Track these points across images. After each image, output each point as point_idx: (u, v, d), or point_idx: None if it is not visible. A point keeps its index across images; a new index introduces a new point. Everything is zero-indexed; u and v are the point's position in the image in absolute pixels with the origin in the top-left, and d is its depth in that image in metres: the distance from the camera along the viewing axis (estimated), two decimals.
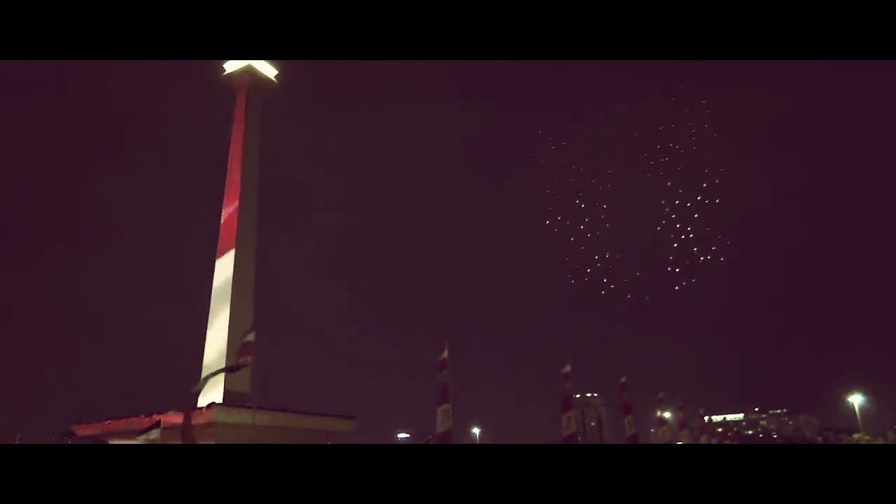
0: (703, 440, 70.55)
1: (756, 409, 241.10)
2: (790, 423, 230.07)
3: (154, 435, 30.08)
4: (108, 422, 47.16)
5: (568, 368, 39.46)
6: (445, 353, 34.24)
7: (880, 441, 69.25)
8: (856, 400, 76.79)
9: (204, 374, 48.44)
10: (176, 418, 38.24)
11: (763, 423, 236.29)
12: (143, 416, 42.29)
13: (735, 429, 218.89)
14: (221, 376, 45.75)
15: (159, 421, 31.75)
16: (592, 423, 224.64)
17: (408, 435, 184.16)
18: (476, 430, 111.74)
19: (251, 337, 36.23)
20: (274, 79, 59.01)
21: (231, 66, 57.91)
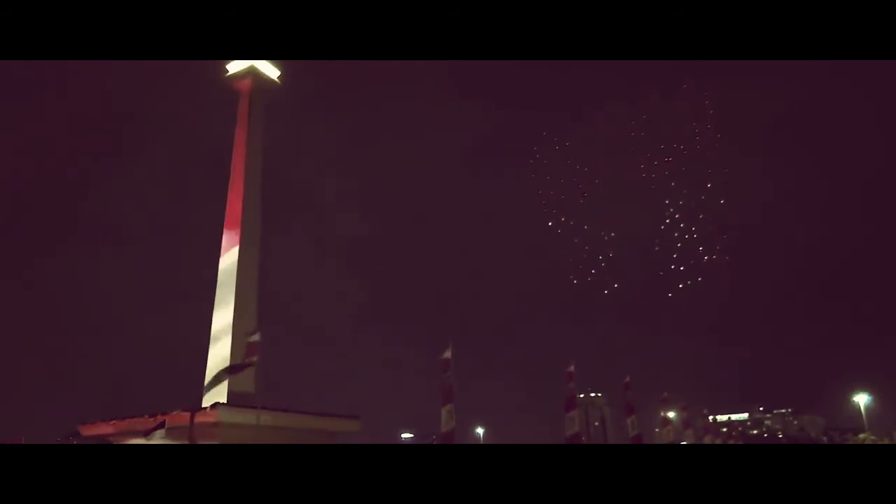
0: (708, 440, 70.37)
1: (761, 409, 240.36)
2: (795, 422, 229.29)
3: (159, 435, 30.18)
4: (113, 422, 47.30)
5: (572, 368, 39.46)
6: (449, 353, 34.26)
7: (886, 441, 68.99)
8: (861, 399, 76.49)
9: (208, 374, 48.57)
10: (181, 419, 38.35)
11: (768, 422, 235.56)
12: (147, 416, 42.42)
13: (739, 428, 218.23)
14: (226, 378, 45.87)
15: (164, 421, 31.86)
16: (596, 423, 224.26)
17: (411, 435, 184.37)
18: (480, 430, 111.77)
19: (256, 337, 36.32)
20: (276, 79, 59.11)
21: (234, 66, 58.02)
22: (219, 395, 44.38)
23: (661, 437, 68.81)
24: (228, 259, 51.64)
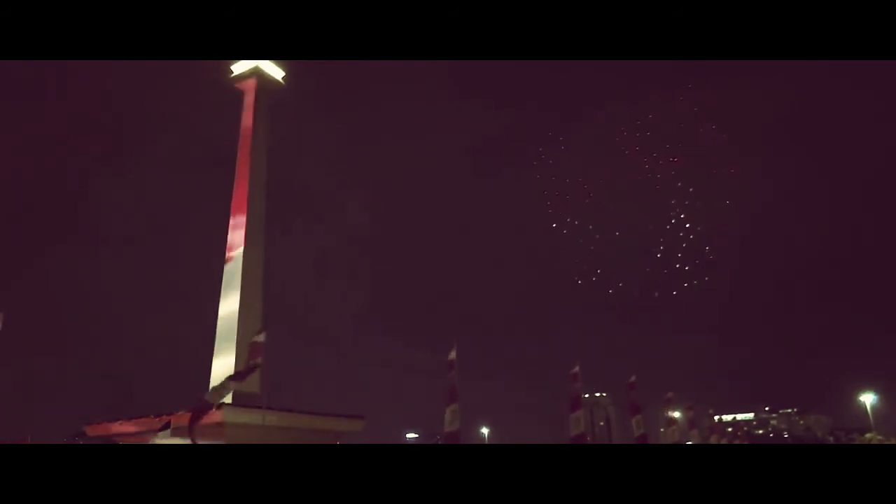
0: (713, 440, 70.13)
1: (766, 409, 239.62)
2: (801, 422, 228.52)
3: (165, 435, 30.23)
4: (119, 422, 47.44)
5: (577, 368, 39.40)
6: (454, 354, 34.25)
7: (893, 441, 68.59)
8: (867, 399, 76.15)
9: (212, 375, 48.65)
10: (187, 419, 38.44)
11: (773, 422, 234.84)
12: (153, 416, 42.51)
13: (745, 428, 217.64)
14: (232, 375, 45.93)
15: (170, 421, 31.91)
16: (601, 423, 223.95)
17: (416, 435, 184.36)
18: (485, 430, 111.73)
19: (261, 338, 36.36)
20: (281, 80, 59.16)
21: (238, 67, 58.09)
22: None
23: (666, 437, 68.67)
24: (233, 259, 51.72)
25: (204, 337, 52.02)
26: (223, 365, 48.51)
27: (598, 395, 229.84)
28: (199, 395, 35.38)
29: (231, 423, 39.27)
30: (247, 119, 56.91)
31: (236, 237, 52.49)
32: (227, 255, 52.43)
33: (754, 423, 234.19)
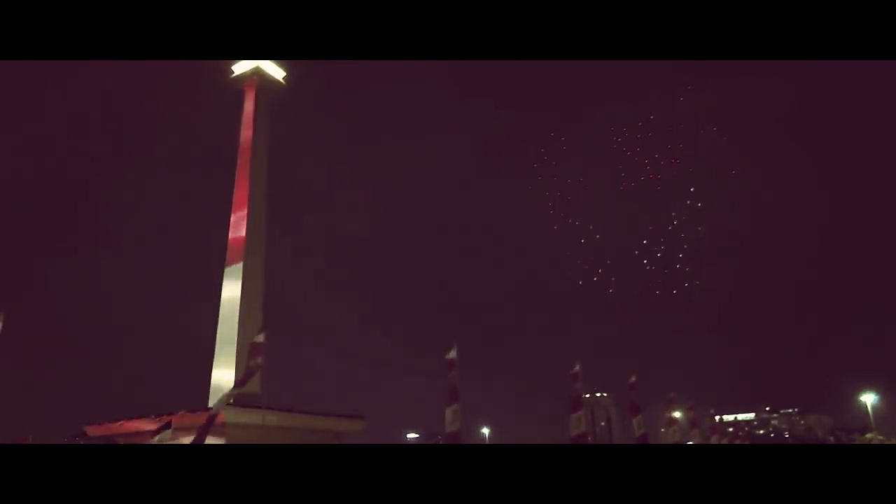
0: (714, 440, 70.09)
1: (767, 409, 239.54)
2: (801, 422, 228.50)
3: (165, 436, 30.22)
4: (120, 423, 47.49)
5: (577, 368, 39.36)
6: (454, 353, 34.21)
7: (894, 441, 68.54)
8: (868, 399, 76.13)
9: (213, 375, 48.71)
10: (187, 419, 38.45)
11: (774, 422, 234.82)
12: (153, 416, 42.55)
13: (746, 428, 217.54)
14: (232, 378, 45.99)
15: (170, 421, 31.89)
16: (602, 423, 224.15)
17: (416, 435, 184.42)
18: (485, 430, 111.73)
19: (261, 338, 36.34)
20: (282, 80, 59.19)
21: (239, 67, 58.13)
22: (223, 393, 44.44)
23: (667, 437, 68.58)
24: (233, 259, 51.76)
25: (204, 337, 52.09)
26: (224, 366, 48.57)
27: (598, 395, 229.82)
28: (205, 405, 35.47)
29: (232, 423, 39.31)
30: (247, 119, 56.96)
31: (237, 237, 52.52)
32: (228, 254, 52.48)
33: (755, 423, 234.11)
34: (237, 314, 49.20)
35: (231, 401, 35.12)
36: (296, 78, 61.45)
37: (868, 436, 69.63)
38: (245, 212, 52.58)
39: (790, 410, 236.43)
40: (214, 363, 49.32)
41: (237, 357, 47.06)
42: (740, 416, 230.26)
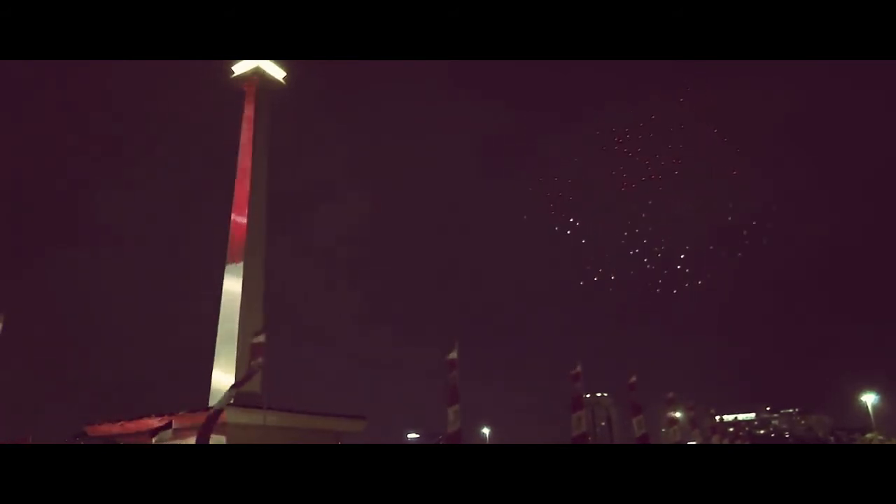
0: (715, 440, 70.05)
1: (767, 409, 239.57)
2: (802, 422, 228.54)
3: (166, 436, 30.23)
4: (120, 422, 47.48)
5: (578, 369, 39.34)
6: (455, 353, 34.21)
7: (894, 441, 68.52)
8: (869, 399, 76.12)
9: (214, 375, 48.68)
10: (188, 419, 38.43)
11: (775, 422, 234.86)
12: (154, 416, 42.53)
13: (746, 428, 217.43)
14: (233, 378, 45.97)
15: (171, 421, 31.91)
16: (602, 423, 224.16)
17: (417, 435, 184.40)
18: (486, 431, 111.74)
19: (262, 338, 36.40)
20: (282, 80, 59.17)
21: (239, 67, 58.09)
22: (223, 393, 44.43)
23: (667, 437, 68.52)
24: (233, 259, 51.76)
25: (204, 337, 52.06)
26: (224, 365, 48.56)
27: (599, 395, 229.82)
28: (205, 405, 35.41)
29: (232, 423, 39.28)
30: (247, 119, 56.96)
31: (237, 236, 52.53)
32: (228, 254, 52.48)
33: (756, 423, 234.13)
34: (237, 314, 49.20)
35: (232, 400, 35.14)
36: (296, 78, 61.42)
37: (868, 436, 69.65)
38: (245, 212, 52.57)
39: (791, 410, 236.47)
40: (215, 363, 49.31)
41: (237, 357, 47.05)
42: (741, 416, 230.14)
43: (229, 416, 39.48)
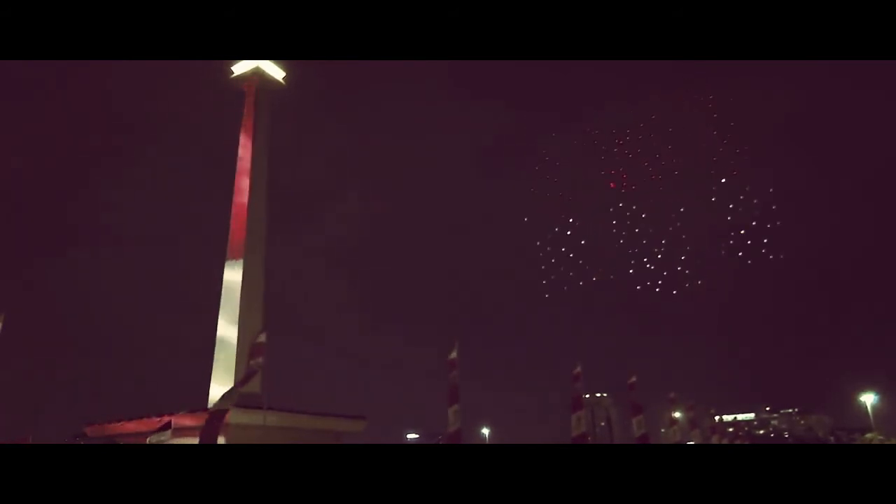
0: (715, 440, 70.11)
1: (767, 409, 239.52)
2: (802, 422, 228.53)
3: (165, 436, 30.22)
4: (120, 423, 47.52)
5: (578, 369, 39.37)
6: (455, 354, 34.23)
7: (894, 441, 68.54)
8: (868, 399, 76.14)
9: (214, 376, 48.70)
10: (187, 419, 38.45)
11: (774, 422, 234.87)
12: (154, 416, 42.54)
13: (746, 428, 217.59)
14: (232, 378, 46.00)
15: (170, 422, 31.90)
16: (602, 423, 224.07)
17: (417, 435, 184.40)
18: (486, 431, 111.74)
19: (262, 338, 36.38)
20: (282, 80, 59.20)
21: (239, 67, 58.14)
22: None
23: (667, 437, 68.62)
24: (235, 260, 51.78)
25: (204, 337, 52.07)
26: (224, 366, 48.55)
27: (599, 395, 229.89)
28: (205, 405, 35.32)
29: (232, 423, 39.28)
30: (247, 119, 57.00)
31: (237, 236, 52.54)
32: (228, 254, 52.50)
33: (755, 423, 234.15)
34: (238, 314, 49.22)
35: (236, 396, 35.12)
36: (296, 78, 61.48)
37: (868, 436, 69.66)
38: (245, 212, 52.59)
39: (790, 410, 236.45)
40: (214, 363, 49.33)
41: (237, 357, 47.07)
42: (740, 417, 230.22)
43: (230, 416, 39.51)
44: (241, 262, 51.04)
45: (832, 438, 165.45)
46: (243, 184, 54.16)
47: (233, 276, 51.25)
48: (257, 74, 57.21)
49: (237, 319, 49.03)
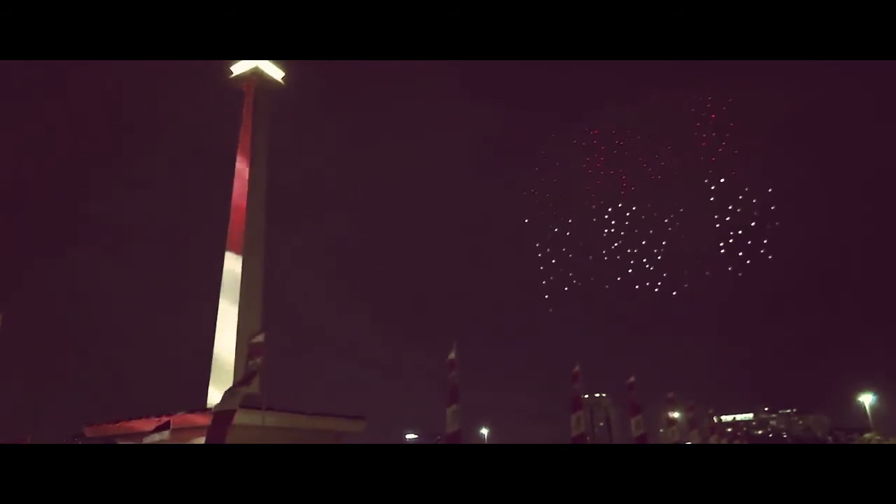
0: (713, 440, 70.09)
1: (766, 409, 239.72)
2: (800, 422, 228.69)
3: (164, 436, 30.19)
4: (119, 423, 47.48)
5: (577, 369, 39.38)
6: (454, 354, 34.22)
7: (892, 441, 68.55)
8: (867, 399, 76.17)
9: (213, 376, 48.68)
10: (186, 420, 38.44)
11: (773, 422, 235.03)
12: (153, 416, 42.53)
13: (745, 429, 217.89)
14: (231, 379, 45.98)
15: (169, 422, 31.88)
16: (601, 423, 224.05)
17: (416, 436, 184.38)
18: (484, 431, 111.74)
19: (261, 338, 36.33)
20: (281, 80, 59.22)
21: (238, 67, 58.16)
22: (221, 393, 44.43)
23: (665, 437, 68.63)
24: (233, 261, 51.76)
25: (204, 337, 52.05)
26: (221, 363, 48.54)
27: (598, 395, 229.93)
28: (204, 405, 35.26)
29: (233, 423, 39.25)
30: (246, 119, 57.02)
31: (236, 236, 52.55)
32: (227, 254, 52.49)
33: (754, 423, 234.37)
34: (237, 313, 49.22)
35: (240, 396, 35.08)
36: (296, 78, 61.53)
37: (867, 436, 69.65)
38: (244, 212, 52.60)
39: (789, 411, 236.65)
40: (213, 364, 49.32)
41: (236, 357, 47.06)
42: (739, 417, 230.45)
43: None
44: (239, 263, 51.08)
45: (830, 438, 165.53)
46: (242, 184, 54.18)
47: (231, 277, 51.25)
48: (256, 74, 57.24)
49: (236, 320, 49.02)
